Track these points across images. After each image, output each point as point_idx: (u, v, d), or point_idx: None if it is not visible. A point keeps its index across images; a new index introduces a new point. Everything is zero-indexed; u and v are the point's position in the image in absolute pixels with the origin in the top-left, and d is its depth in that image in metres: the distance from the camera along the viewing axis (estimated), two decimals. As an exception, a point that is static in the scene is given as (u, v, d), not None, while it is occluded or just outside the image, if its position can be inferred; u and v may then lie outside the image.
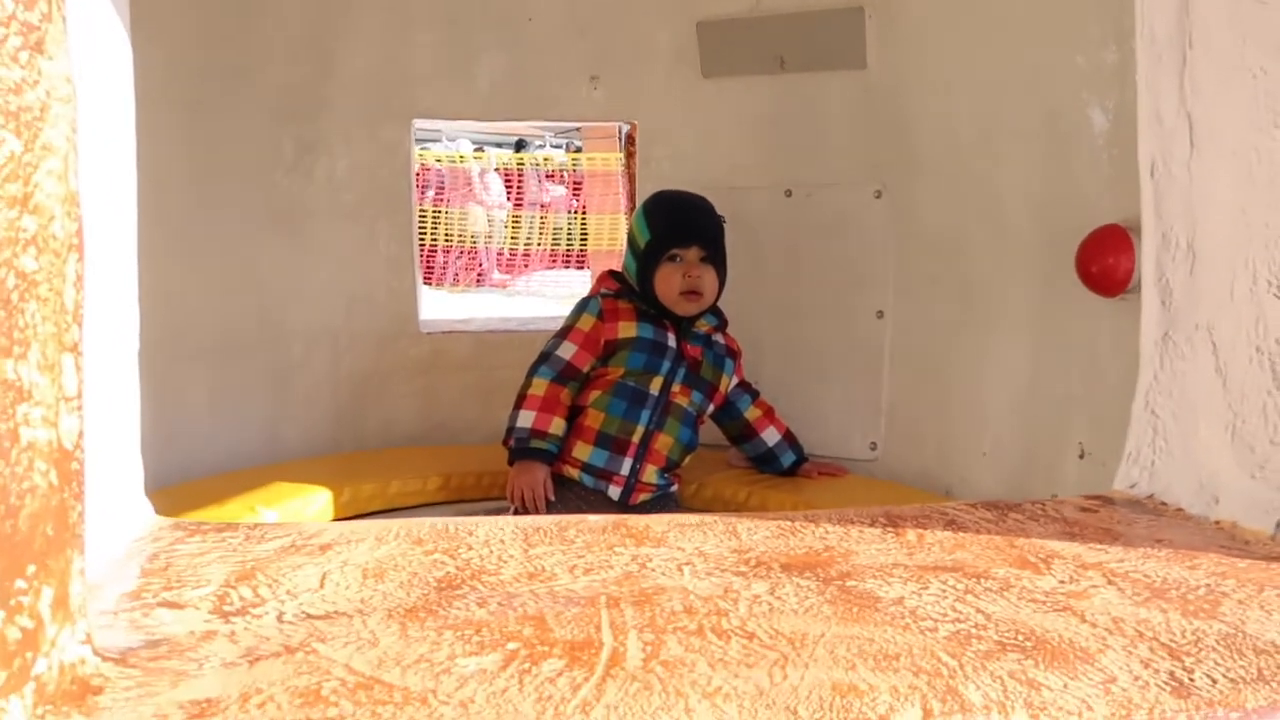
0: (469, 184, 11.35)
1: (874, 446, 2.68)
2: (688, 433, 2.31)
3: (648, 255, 2.29)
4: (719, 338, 2.41)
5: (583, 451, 2.23)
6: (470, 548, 0.72)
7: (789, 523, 0.76)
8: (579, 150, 11.05)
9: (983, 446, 2.44)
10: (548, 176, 11.92)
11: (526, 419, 2.19)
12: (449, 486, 2.52)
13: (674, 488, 2.35)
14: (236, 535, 0.74)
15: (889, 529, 0.76)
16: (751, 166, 2.80)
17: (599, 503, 2.24)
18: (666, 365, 2.27)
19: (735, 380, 2.43)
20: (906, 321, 2.63)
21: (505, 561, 0.69)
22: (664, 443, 2.27)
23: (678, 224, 2.30)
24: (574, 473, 2.24)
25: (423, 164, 10.30)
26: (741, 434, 2.48)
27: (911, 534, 0.75)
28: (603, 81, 2.87)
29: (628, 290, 2.34)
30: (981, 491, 2.42)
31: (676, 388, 2.28)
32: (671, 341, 2.29)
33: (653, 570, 0.68)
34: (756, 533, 0.74)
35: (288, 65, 2.68)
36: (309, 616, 0.60)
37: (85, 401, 0.51)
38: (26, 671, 0.46)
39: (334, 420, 2.78)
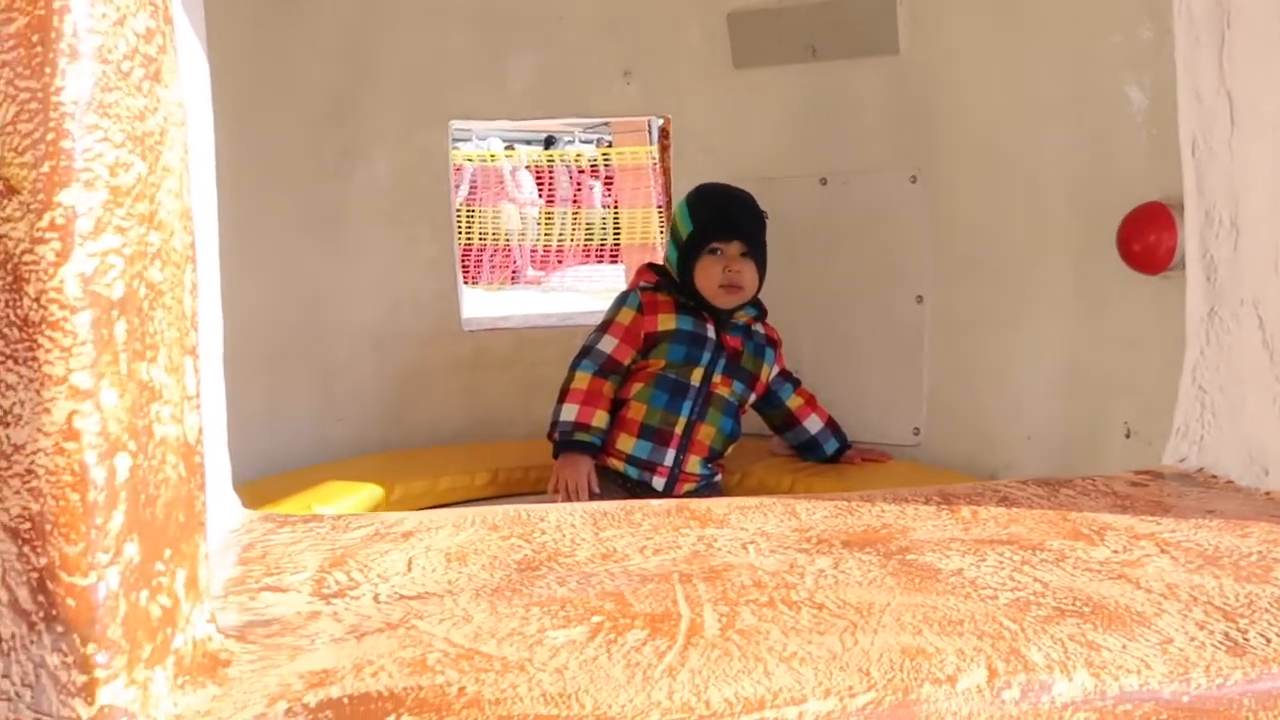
0: (501, 182, 11.43)
1: (917, 432, 2.70)
2: (730, 423, 2.34)
3: (689, 248, 2.33)
4: (759, 328, 2.44)
5: (626, 443, 2.27)
6: (543, 532, 0.76)
7: (846, 503, 0.80)
8: (609, 145, 11.08)
9: (1027, 430, 2.45)
10: (580, 172, 11.97)
11: (570, 412, 2.23)
12: (496, 481, 2.57)
13: (718, 477, 2.38)
14: (323, 526, 0.79)
15: (943, 506, 0.79)
16: (786, 156, 2.82)
17: (643, 494, 2.28)
18: (707, 356, 2.30)
19: (776, 369, 2.46)
20: (946, 306, 2.64)
21: (578, 544, 0.73)
22: (706, 433, 2.30)
23: (719, 218, 2.33)
24: (618, 465, 2.28)
25: (454, 164, 10.37)
26: (784, 423, 2.51)
27: (966, 510, 0.78)
28: (636, 76, 2.90)
29: (667, 282, 2.38)
30: (1027, 475, 2.42)
31: (717, 378, 2.31)
32: (711, 333, 2.32)
33: (719, 549, 0.71)
34: (815, 513, 0.77)
35: (327, 72, 2.74)
36: (403, 597, 0.64)
37: (201, 400, 0.55)
38: (167, 645, 0.51)
39: (381, 419, 2.84)
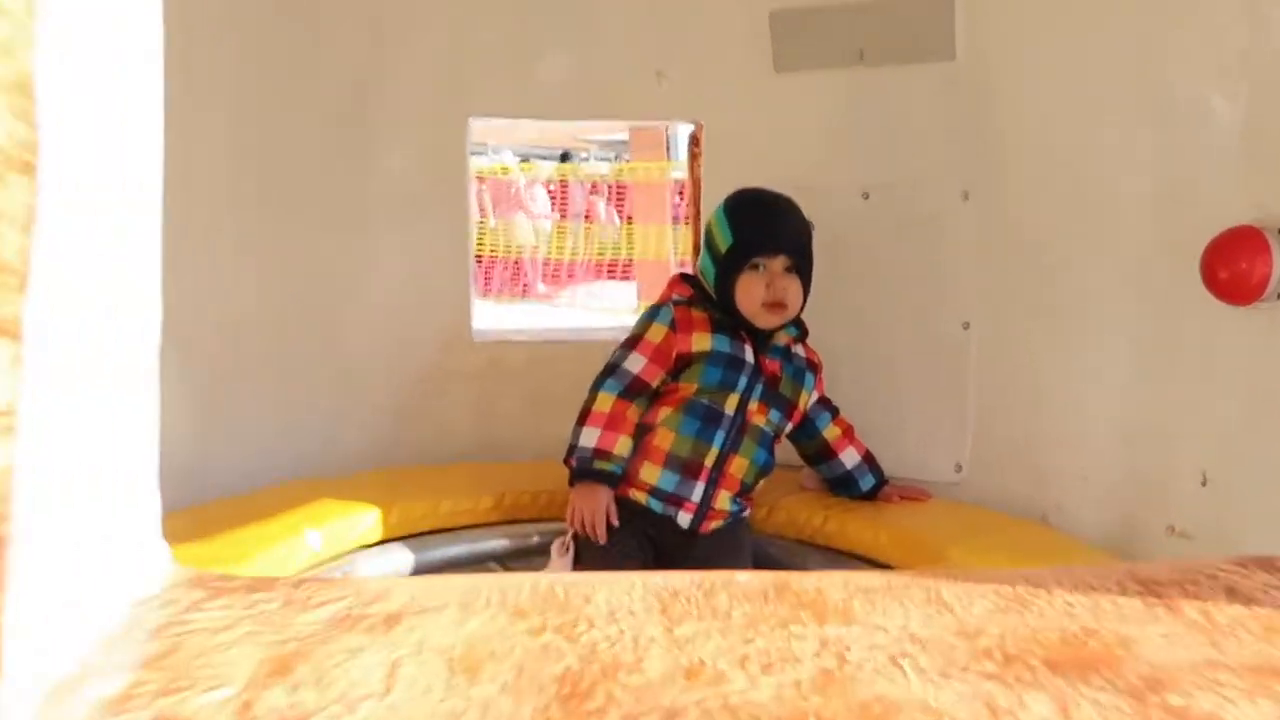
0: (514, 195, 11.27)
1: (959, 468, 2.49)
2: (764, 455, 2.12)
3: (728, 262, 2.09)
4: (799, 349, 2.23)
5: (651, 474, 2.05)
6: (592, 624, 0.54)
7: (1009, 588, 0.58)
8: (627, 161, 10.93)
9: (1082, 470, 2.24)
10: (593, 191, 11.81)
11: (590, 437, 2.01)
12: (502, 506, 2.36)
13: (746, 513, 2.17)
14: (274, 599, 0.57)
15: (1152, 599, 0.57)
16: (826, 167, 2.62)
17: (667, 530, 2.08)
18: (743, 381, 2.08)
19: (815, 396, 2.26)
20: (995, 333, 2.44)
21: (645, 647, 0.51)
22: (739, 466, 2.08)
23: (764, 230, 2.10)
24: (640, 497, 2.06)
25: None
26: (818, 454, 2.30)
27: (1192, 610, 0.56)
28: (669, 77, 2.71)
29: (702, 297, 2.16)
30: (1084, 520, 2.21)
31: (753, 406, 2.09)
32: (749, 355, 2.10)
33: (859, 666, 0.49)
34: (972, 603, 0.55)
35: (348, 61, 2.56)
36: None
37: (42, 418, 0.35)
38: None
39: (391, 428, 2.65)
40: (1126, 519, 2.13)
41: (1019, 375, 2.37)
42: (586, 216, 11.55)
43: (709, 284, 2.15)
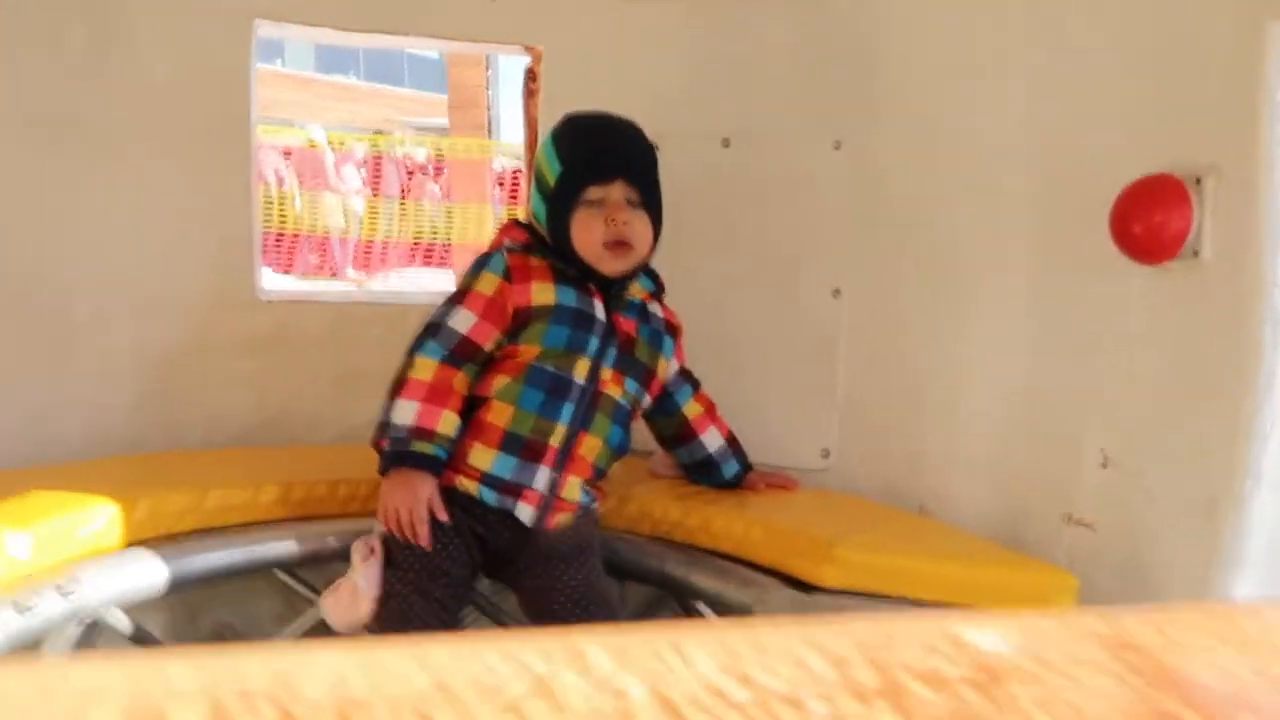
0: (321, 170, 10.48)
1: (826, 454, 2.21)
2: (619, 433, 1.76)
3: (560, 195, 1.73)
4: (655, 308, 1.88)
5: (483, 458, 1.67)
6: None
7: None
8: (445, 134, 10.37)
9: (966, 454, 2.00)
10: (410, 173, 11.18)
11: (406, 413, 1.61)
12: (290, 500, 1.90)
13: (596, 504, 1.81)
14: None
15: None
16: (680, 109, 2.28)
17: (500, 526, 1.69)
18: (594, 343, 1.71)
19: (675, 365, 1.91)
20: (869, 301, 2.18)
21: None
22: (590, 446, 1.71)
23: (597, 154, 1.76)
24: (470, 486, 1.67)
25: (263, 144, 9.44)
26: (677, 435, 1.97)
27: None
28: (501, -6, 2.31)
29: (538, 244, 1.78)
30: (967, 509, 1.98)
31: (607, 373, 1.73)
32: (599, 312, 1.74)
33: None
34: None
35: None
36: None
37: None
38: None
39: (136, 408, 2.12)
40: (1017, 507, 1.91)
41: (896, 349, 2.12)
42: (402, 195, 10.89)
43: (542, 228, 1.78)
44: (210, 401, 2.18)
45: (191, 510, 1.79)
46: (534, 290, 1.70)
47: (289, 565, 1.94)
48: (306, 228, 10.10)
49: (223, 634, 2.15)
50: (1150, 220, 1.62)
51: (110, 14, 2.05)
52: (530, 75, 2.52)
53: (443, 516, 1.61)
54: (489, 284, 1.69)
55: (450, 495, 1.65)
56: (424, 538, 1.60)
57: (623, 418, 1.76)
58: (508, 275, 1.70)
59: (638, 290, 1.82)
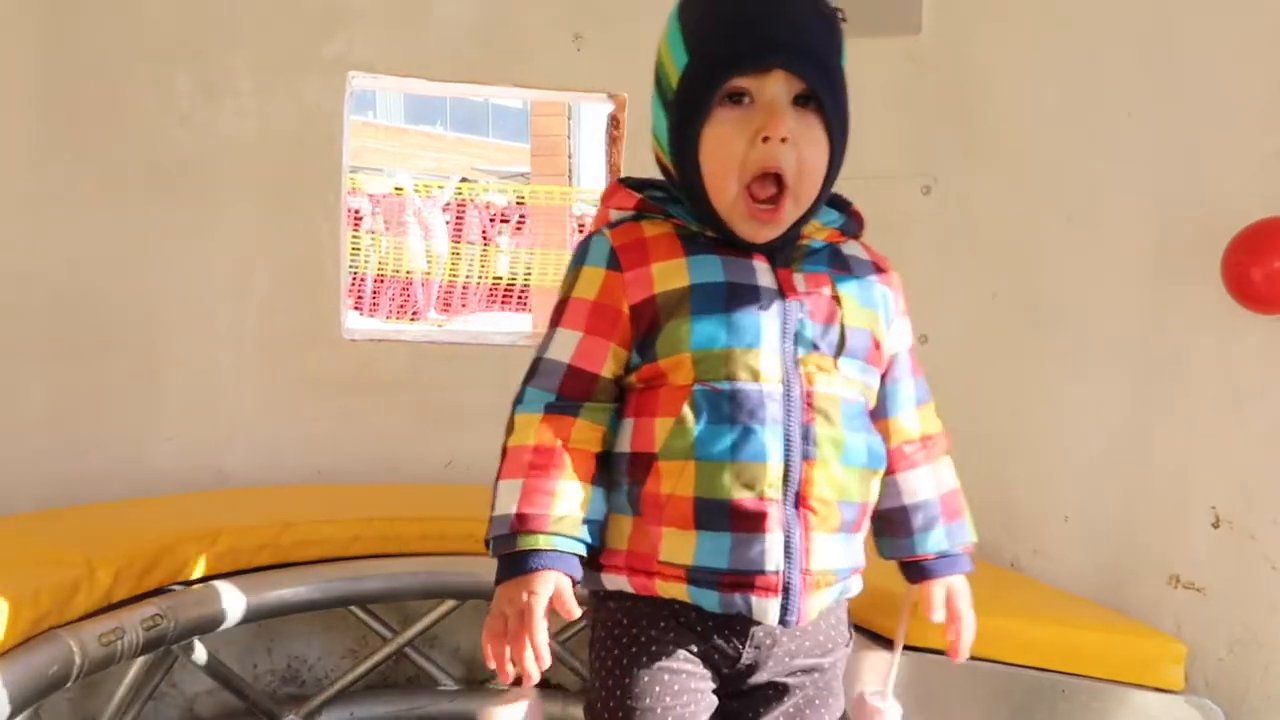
0: (406, 216, 10.75)
1: (913, 505, 2.13)
2: (861, 436, 1.12)
3: (687, 98, 1.09)
4: (855, 249, 1.19)
5: (678, 547, 1.07)
6: None
7: None
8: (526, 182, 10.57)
9: (1064, 509, 1.91)
10: (491, 221, 11.41)
11: (508, 498, 1.06)
12: (366, 536, 1.90)
13: (858, 573, 1.16)
14: None
15: None
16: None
17: (733, 639, 1.11)
18: (772, 325, 1.08)
19: (906, 340, 1.22)
20: (959, 348, 2.10)
21: None
22: (828, 479, 1.07)
23: (747, 28, 1.07)
24: (676, 591, 1.09)
25: (354, 188, 9.73)
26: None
27: None
28: (587, 40, 2.33)
29: (662, 200, 1.15)
30: (1065, 566, 1.89)
31: (810, 362, 1.09)
32: (763, 276, 1.10)
33: None
34: None
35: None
36: None
37: None
38: None
39: (225, 445, 2.16)
40: (1117, 565, 1.81)
41: (984, 396, 2.04)
42: (484, 240, 11.09)
43: (666, 157, 1.15)
44: (299, 438, 2.20)
45: (269, 544, 1.79)
46: (655, 274, 1.09)
47: (364, 601, 1.94)
48: (390, 271, 10.33)
49: (294, 667, 2.15)
50: (1270, 266, 1.54)
51: (212, 66, 2.13)
52: (614, 122, 2.53)
53: (575, 612, 1.04)
54: (590, 283, 1.11)
55: (651, 607, 1.10)
56: (528, 669, 1.03)
57: (857, 417, 1.12)
58: (614, 263, 1.11)
59: (817, 230, 1.15)
